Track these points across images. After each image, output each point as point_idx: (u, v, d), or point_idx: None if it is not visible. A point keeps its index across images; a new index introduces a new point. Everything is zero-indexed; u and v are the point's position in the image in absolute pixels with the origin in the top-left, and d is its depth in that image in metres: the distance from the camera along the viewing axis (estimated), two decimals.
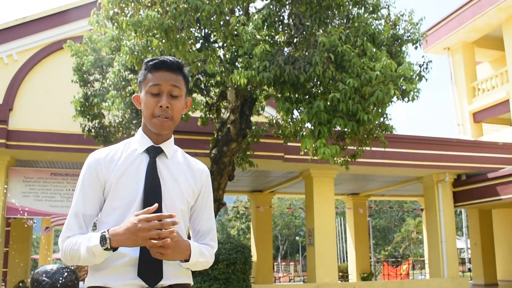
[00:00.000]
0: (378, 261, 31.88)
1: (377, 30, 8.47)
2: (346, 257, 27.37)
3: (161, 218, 1.93)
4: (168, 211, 2.13)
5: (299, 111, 8.39)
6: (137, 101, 2.29)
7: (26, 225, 13.97)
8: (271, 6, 8.12)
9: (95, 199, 2.15)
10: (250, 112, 9.84)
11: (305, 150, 8.43)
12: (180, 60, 2.26)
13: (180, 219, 2.19)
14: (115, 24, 8.53)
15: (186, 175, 2.27)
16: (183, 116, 9.87)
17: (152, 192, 2.13)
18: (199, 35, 8.84)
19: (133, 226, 1.91)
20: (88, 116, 10.51)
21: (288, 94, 8.15)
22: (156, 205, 1.96)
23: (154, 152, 2.21)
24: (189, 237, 2.28)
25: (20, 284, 14.03)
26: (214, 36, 8.57)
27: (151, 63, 2.21)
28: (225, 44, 8.66)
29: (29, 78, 12.22)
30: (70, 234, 2.11)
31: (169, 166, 2.24)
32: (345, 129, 8.19)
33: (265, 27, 8.05)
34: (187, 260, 2.11)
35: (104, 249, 1.95)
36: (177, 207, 2.18)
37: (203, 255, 2.21)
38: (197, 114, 10.71)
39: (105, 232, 1.97)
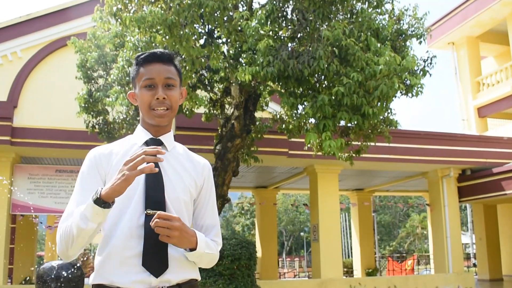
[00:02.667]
0: (383, 257, 31.87)
1: (381, 25, 8.44)
2: (351, 252, 27.37)
3: (147, 153, 1.89)
4: (171, 202, 2.12)
5: (303, 105, 8.37)
6: (132, 98, 2.28)
7: (33, 219, 14.02)
8: (275, 1, 8.09)
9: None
10: (254, 108, 9.83)
11: (309, 145, 8.41)
12: (170, 52, 2.24)
13: (184, 210, 2.17)
14: (119, 20, 8.53)
15: (187, 167, 2.25)
16: (186, 112, 9.89)
17: (154, 183, 2.11)
18: (203, 31, 8.83)
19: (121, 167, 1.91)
20: (92, 113, 10.51)
21: (292, 88, 8.14)
22: (160, 149, 1.94)
23: (153, 144, 2.18)
24: None
25: (26, 281, 14.08)
26: (218, 31, 8.56)
27: (141, 57, 2.20)
28: (228, 40, 8.64)
29: (33, 75, 12.23)
30: (65, 225, 2.05)
31: (170, 158, 2.22)
32: (350, 124, 8.18)
33: (269, 22, 8.02)
34: (194, 249, 2.08)
35: (94, 201, 1.89)
36: (181, 197, 2.16)
37: (209, 246, 2.18)
38: (201, 110, 10.70)
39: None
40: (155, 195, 2.09)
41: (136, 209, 2.07)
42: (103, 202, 1.90)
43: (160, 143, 2.22)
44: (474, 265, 25.08)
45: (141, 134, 2.24)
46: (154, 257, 2.02)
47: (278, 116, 10.61)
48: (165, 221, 1.93)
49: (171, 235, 1.95)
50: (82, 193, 2.10)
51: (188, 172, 2.24)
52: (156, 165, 2.12)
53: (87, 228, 1.94)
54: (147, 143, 2.20)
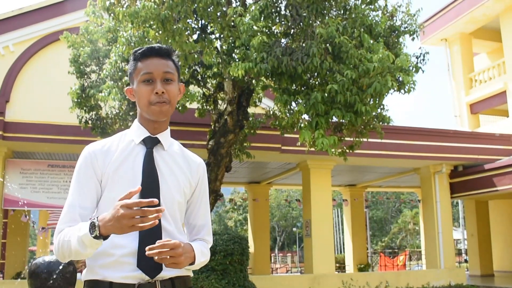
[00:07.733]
0: (375, 252, 31.96)
1: (374, 21, 8.43)
2: (343, 248, 27.44)
3: (140, 204, 1.80)
4: (165, 202, 2.11)
5: (296, 102, 8.38)
6: (130, 93, 2.26)
7: (23, 220, 13.95)
8: None
9: (91, 191, 2.10)
10: (247, 103, 9.83)
11: (302, 141, 8.43)
12: (168, 47, 2.22)
13: (177, 211, 2.18)
14: (112, 15, 8.49)
15: (183, 167, 2.25)
16: (179, 107, 9.88)
17: (150, 183, 2.10)
18: (196, 26, 8.80)
19: (116, 212, 1.80)
20: (85, 108, 10.47)
21: (285, 85, 8.13)
22: (156, 200, 1.83)
23: (151, 143, 2.19)
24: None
25: (18, 276, 14.04)
26: (211, 27, 8.54)
27: (139, 52, 2.18)
28: (222, 35, 8.62)
29: (25, 69, 12.17)
30: (64, 226, 2.03)
31: (166, 157, 2.21)
32: (343, 120, 8.19)
33: (262, 18, 8.00)
34: (192, 263, 2.10)
35: (94, 237, 1.85)
36: (175, 198, 2.16)
37: (204, 254, 2.20)
38: (194, 105, 10.69)
39: (94, 219, 1.88)
40: (150, 197, 2.07)
41: None
42: (102, 236, 1.88)
43: (157, 142, 2.22)
44: (466, 261, 25.21)
45: (138, 131, 2.22)
46: (149, 258, 1.99)
47: (271, 112, 10.61)
48: (171, 250, 1.93)
49: (178, 262, 1.96)
50: (80, 194, 2.10)
51: (183, 172, 2.24)
52: (153, 165, 2.15)
53: (85, 252, 1.95)
54: (144, 142, 2.19)
